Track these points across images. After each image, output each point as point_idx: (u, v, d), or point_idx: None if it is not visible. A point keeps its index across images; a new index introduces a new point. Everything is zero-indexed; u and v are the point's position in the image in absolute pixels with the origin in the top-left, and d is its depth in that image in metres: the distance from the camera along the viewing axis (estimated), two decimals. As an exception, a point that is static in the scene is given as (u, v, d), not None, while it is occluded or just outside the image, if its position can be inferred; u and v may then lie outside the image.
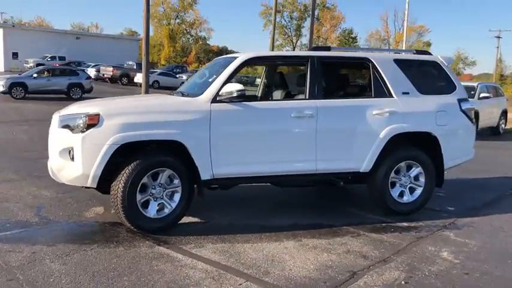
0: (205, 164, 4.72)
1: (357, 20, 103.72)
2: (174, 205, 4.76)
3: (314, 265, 4.01)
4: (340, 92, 5.90)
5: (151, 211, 4.65)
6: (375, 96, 5.43)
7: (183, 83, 28.11)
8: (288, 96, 6.02)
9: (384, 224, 5.21)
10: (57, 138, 4.62)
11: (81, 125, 4.44)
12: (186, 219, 5.11)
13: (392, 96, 5.42)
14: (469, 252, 4.43)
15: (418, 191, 5.61)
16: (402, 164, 5.48)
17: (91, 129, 4.41)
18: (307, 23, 75.43)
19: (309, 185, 5.67)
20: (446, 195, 6.66)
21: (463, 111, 5.75)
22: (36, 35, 49.69)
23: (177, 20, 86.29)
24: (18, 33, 47.72)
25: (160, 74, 36.09)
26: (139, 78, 28.84)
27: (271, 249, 4.36)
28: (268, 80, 6.58)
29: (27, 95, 20.63)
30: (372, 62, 5.47)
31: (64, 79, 21.99)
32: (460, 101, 5.75)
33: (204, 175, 4.74)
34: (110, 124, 4.43)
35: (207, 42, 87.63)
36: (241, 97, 4.75)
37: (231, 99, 4.76)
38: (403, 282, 3.72)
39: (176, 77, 37.07)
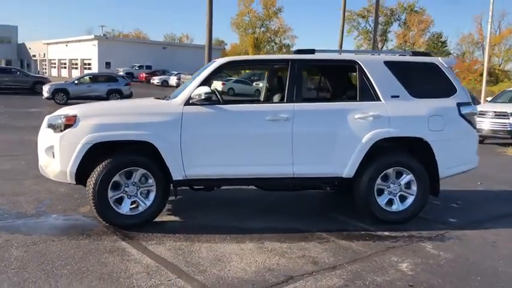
0: (177, 164, 4.88)
1: (446, 23, 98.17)
2: (148, 203, 4.97)
3: (256, 267, 4.00)
4: (323, 96, 5.78)
5: (125, 208, 4.90)
6: (360, 100, 5.26)
7: (257, 90, 28.72)
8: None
9: (363, 232, 5.01)
10: (43, 137, 5.03)
11: (60, 125, 4.81)
12: (167, 218, 5.33)
13: (380, 100, 5.22)
14: (432, 265, 4.15)
15: (410, 200, 5.33)
16: (390, 170, 5.24)
17: (68, 129, 4.77)
18: (393, 28, 73.29)
19: (295, 189, 5.59)
20: (460, 207, 6.24)
21: (463, 116, 5.37)
22: (127, 45, 53.27)
23: (262, 29, 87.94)
24: (111, 44, 51.48)
25: (235, 81, 36.99)
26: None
27: (227, 250, 4.40)
28: (269, 84, 6.61)
29: (69, 101, 21.93)
30: (359, 64, 5.31)
31: (104, 85, 23.45)
32: (459, 105, 5.37)
33: (176, 175, 4.91)
34: (85, 125, 4.75)
35: (291, 49, 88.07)
36: (209, 100, 4.86)
37: (201, 102, 4.88)
38: (333, 290, 3.60)
39: (251, 85, 37.78)
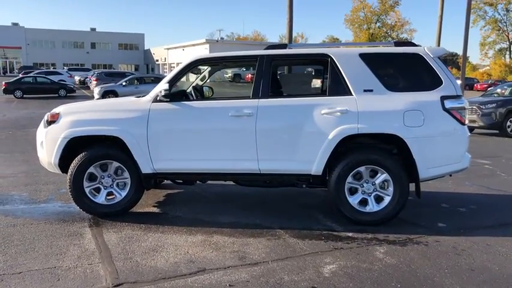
0: (145, 158, 5.17)
1: None
2: (124, 194, 5.33)
3: (180, 259, 4.11)
4: (292, 91, 5.61)
5: (101, 198, 5.31)
6: (330, 95, 5.06)
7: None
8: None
9: (324, 232, 4.83)
10: (39, 131, 5.65)
11: (47, 122, 5.38)
12: (148, 209, 5.65)
13: (351, 94, 4.98)
14: (360, 270, 3.88)
15: (386, 201, 5.00)
16: (362, 168, 4.97)
17: (52, 125, 5.31)
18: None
19: (271, 185, 5.52)
20: (466, 211, 5.66)
21: (447, 111, 4.89)
22: (237, 48, 55.16)
23: (378, 24, 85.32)
24: (222, 48, 53.79)
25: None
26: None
27: (171, 241, 4.57)
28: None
29: None
30: (331, 57, 5.11)
31: (151, 87, 24.15)
32: (444, 98, 4.90)
33: (145, 169, 5.20)
34: (64, 121, 5.26)
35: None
36: (167, 96, 5.06)
37: (166, 99, 5.11)
38: (228, 285, 3.59)
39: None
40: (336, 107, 4.91)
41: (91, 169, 5.23)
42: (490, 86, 24.71)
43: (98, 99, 23.75)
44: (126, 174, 5.29)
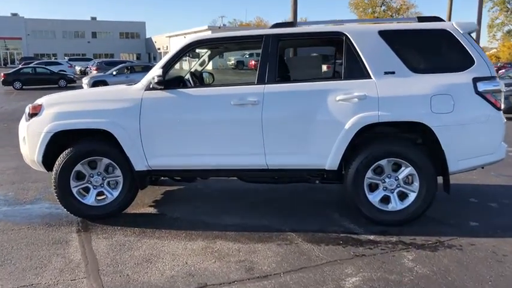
0: (138, 154, 4.60)
1: None
2: (116, 194, 4.77)
3: (177, 271, 3.56)
4: (301, 76, 4.98)
5: (90, 199, 4.75)
6: (346, 78, 4.44)
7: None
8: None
9: (342, 235, 4.25)
10: (21, 126, 5.07)
11: (29, 114, 4.79)
12: (144, 209, 5.10)
13: (370, 78, 4.37)
14: (388, 283, 3.31)
15: (411, 198, 4.41)
16: (383, 162, 4.38)
17: (33, 118, 4.73)
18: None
19: (282, 181, 4.93)
20: (497, 208, 5.07)
21: (481, 94, 4.27)
22: (236, 33, 54.18)
23: (383, 7, 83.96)
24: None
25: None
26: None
27: (168, 248, 4.02)
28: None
29: None
30: (347, 36, 4.49)
31: (141, 75, 23.35)
32: (476, 80, 4.27)
33: (138, 166, 4.62)
34: (47, 113, 4.68)
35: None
36: (161, 84, 4.46)
37: (160, 86, 4.51)
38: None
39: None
40: (353, 93, 4.30)
41: (78, 167, 4.66)
42: (500, 69, 23.87)
43: None
44: (118, 172, 4.72)
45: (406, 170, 4.36)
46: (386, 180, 4.43)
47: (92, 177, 4.73)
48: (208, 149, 4.55)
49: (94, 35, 77.98)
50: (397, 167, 4.42)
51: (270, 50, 4.54)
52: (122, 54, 76.93)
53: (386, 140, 4.46)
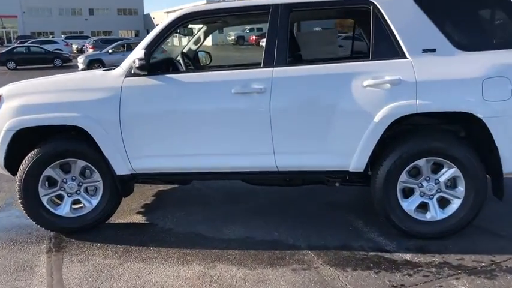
0: (119, 155, 3.77)
1: None
2: (95, 202, 3.96)
3: (166, 314, 2.74)
4: (319, 55, 4.09)
5: (64, 209, 3.95)
6: (374, 58, 3.55)
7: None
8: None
9: (372, 253, 3.44)
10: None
11: (-14, 108, 3.94)
12: (130, 218, 4.29)
13: (405, 57, 3.48)
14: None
15: (455, 205, 3.58)
16: (421, 162, 3.53)
17: (-8, 113, 3.88)
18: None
19: (293, 184, 4.10)
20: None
21: (547, 77, 3.38)
22: (237, 4, 52.74)
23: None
24: (224, 9, 51.41)
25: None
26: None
27: (155, 276, 3.22)
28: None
29: None
30: (375, 5, 3.57)
31: None
32: (541, 59, 3.39)
33: (120, 169, 3.80)
34: (8, 106, 3.84)
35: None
36: (143, 68, 3.58)
37: (143, 72, 3.64)
38: None
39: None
40: (384, 76, 3.43)
41: (48, 171, 3.84)
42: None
43: (82, 69, 21.99)
44: (97, 176, 3.90)
45: (449, 172, 3.52)
46: (424, 183, 3.59)
47: (66, 182, 3.91)
48: (204, 148, 3.71)
49: (91, 11, 76.32)
50: (437, 168, 3.57)
51: (280, 23, 3.64)
52: (121, 31, 75.42)
53: (424, 134, 3.60)
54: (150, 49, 3.70)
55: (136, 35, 73.95)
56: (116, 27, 74.70)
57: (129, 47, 23.83)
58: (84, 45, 38.54)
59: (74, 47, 40.96)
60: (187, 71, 4.34)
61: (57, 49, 33.72)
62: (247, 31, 47.62)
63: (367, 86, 3.45)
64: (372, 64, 3.52)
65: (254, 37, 45.54)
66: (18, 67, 27.05)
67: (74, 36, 52.42)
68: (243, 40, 47.20)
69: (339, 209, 4.33)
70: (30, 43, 33.32)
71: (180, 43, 38.94)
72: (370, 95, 3.45)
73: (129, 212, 4.43)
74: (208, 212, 4.35)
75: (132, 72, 3.70)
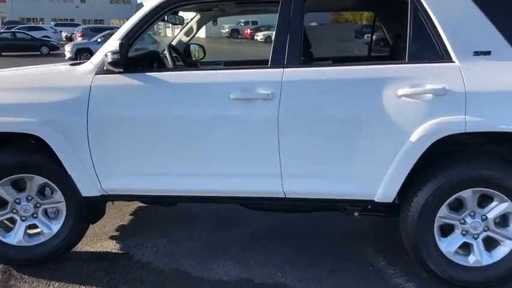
0: (85, 172, 3.00)
1: None
2: (56, 228, 3.19)
3: None
4: (341, 54, 3.33)
5: (16, 235, 3.18)
6: (411, 61, 2.80)
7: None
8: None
9: (402, 308, 2.69)
10: None
11: None
12: (97, 245, 3.50)
13: (451, 60, 2.73)
14: None
15: (505, 248, 2.86)
16: (467, 193, 2.80)
17: None
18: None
19: (302, 211, 3.35)
20: None
21: None
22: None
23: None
24: (219, 0, 50.43)
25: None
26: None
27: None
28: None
29: None
30: (414, -6, 2.82)
31: None
32: None
33: (86, 190, 3.03)
34: (-50, 108, 3.02)
35: None
36: (117, 64, 2.80)
37: (109, 68, 2.85)
38: None
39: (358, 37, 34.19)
40: (424, 84, 2.69)
41: (-4, 190, 3.04)
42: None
43: (70, 58, 20.99)
44: (59, 195, 3.13)
45: (501, 206, 2.80)
46: (468, 220, 2.86)
47: (19, 203, 3.14)
48: (193, 166, 2.96)
49: (83, -1, 74.82)
50: (484, 200, 2.84)
51: (293, 13, 2.88)
52: (113, 20, 73.92)
53: (472, 158, 2.87)
54: (128, 40, 2.93)
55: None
56: (107, 15, 73.17)
57: None
58: (73, 33, 37.45)
59: (64, 34, 39.86)
60: (175, 68, 3.55)
61: (45, 36, 32.63)
62: (242, 24, 46.72)
63: (403, 96, 2.70)
64: (409, 68, 2.78)
65: (249, 30, 44.69)
66: (2, 53, 25.98)
67: (64, 24, 51.09)
68: (237, 33, 46.30)
69: (353, 239, 3.60)
70: (17, 29, 32.17)
71: (173, 34, 37.84)
72: (406, 108, 2.72)
73: (101, 236, 3.66)
74: (196, 240, 3.60)
75: (105, 68, 2.91)
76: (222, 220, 3.95)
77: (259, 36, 41.59)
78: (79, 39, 28.85)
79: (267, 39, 39.86)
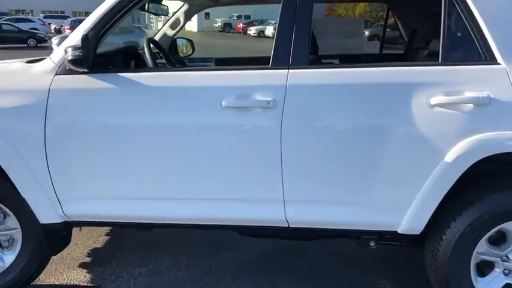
0: (43, 194, 2.44)
1: None
2: (9, 260, 2.63)
3: None
4: (359, 53, 2.79)
5: (-39, 269, 2.59)
6: (446, 62, 2.27)
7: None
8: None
9: None
10: None
11: None
12: (63, 277, 2.93)
13: (496, 62, 2.20)
14: None
15: (557, 291, 2.34)
16: (510, 225, 2.26)
17: None
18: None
19: (306, 238, 2.82)
20: None
21: None
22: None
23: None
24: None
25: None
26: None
27: None
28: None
29: None
30: (449, -16, 2.29)
31: (120, 38, 20.84)
32: None
33: (45, 216, 2.48)
34: None
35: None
36: (80, 63, 2.23)
37: (72, 68, 2.29)
38: None
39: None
40: (463, 91, 2.15)
41: None
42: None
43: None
44: (13, 221, 2.57)
45: (553, 241, 2.27)
46: (510, 256, 2.33)
47: (-35, 231, 2.56)
48: (174, 189, 2.41)
49: (73, -10, 73.51)
50: (529, 233, 2.33)
51: (299, 5, 2.32)
52: (104, 12, 72.78)
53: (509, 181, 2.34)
54: (97, 32, 2.36)
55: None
56: (98, 8, 72.11)
57: None
58: (62, 26, 36.63)
59: (53, 27, 38.98)
60: (155, 67, 2.99)
61: (32, 28, 31.81)
62: (235, 18, 46.10)
63: (437, 106, 2.17)
64: (443, 72, 2.24)
65: (241, 25, 44.09)
66: (-12, 46, 25.16)
67: (54, 16, 50.12)
68: (229, 27, 45.67)
69: (361, 267, 3.08)
70: (4, 20, 31.29)
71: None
72: (441, 120, 2.19)
73: (69, 263, 3.11)
74: (180, 268, 3.06)
75: (67, 67, 2.34)
76: (211, 242, 3.40)
77: (252, 30, 41.12)
78: (67, 31, 28.10)
79: (260, 33, 39.41)
